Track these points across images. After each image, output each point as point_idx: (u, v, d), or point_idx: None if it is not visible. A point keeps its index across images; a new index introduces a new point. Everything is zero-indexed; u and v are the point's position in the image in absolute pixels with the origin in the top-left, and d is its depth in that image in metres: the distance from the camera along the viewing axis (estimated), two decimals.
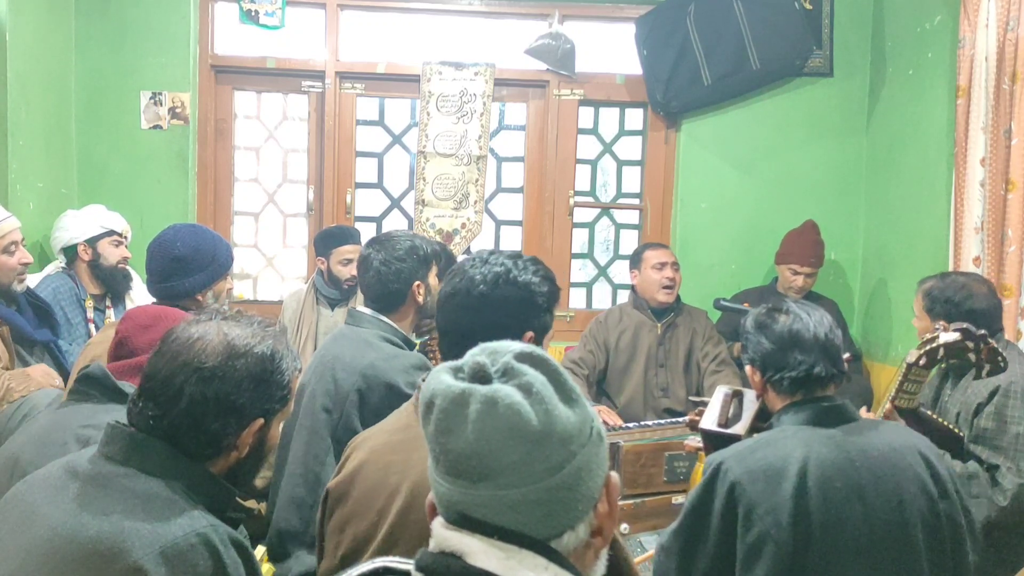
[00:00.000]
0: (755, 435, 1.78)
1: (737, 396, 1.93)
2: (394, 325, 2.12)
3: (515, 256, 1.55)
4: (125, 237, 3.13)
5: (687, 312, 3.47)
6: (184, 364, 1.23)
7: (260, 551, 1.93)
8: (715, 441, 1.84)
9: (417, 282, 2.13)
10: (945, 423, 2.27)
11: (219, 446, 1.25)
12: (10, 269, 2.44)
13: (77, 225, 3.05)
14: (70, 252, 3.06)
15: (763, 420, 1.83)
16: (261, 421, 1.28)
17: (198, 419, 1.22)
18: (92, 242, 3.03)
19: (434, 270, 2.19)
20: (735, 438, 1.81)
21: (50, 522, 1.16)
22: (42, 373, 2.49)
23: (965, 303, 2.32)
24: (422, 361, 2.02)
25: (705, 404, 1.96)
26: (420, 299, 2.14)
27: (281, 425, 1.36)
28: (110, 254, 3.04)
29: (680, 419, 2.84)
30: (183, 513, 1.17)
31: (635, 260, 3.50)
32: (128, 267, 3.11)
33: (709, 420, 1.89)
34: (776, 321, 1.73)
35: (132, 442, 1.23)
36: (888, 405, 2.10)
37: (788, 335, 1.70)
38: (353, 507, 1.46)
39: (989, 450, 2.21)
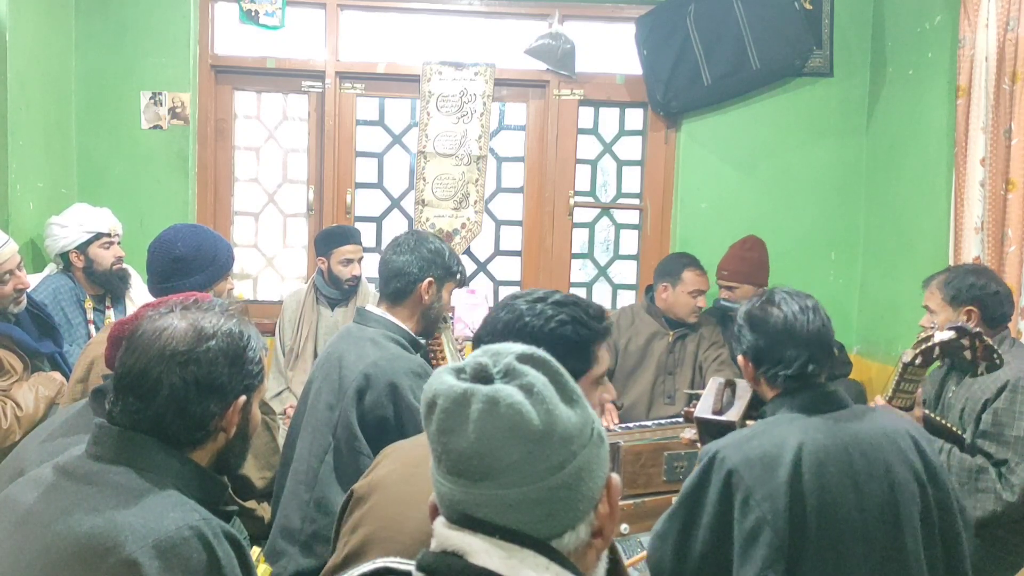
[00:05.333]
0: (749, 423, 1.80)
1: (730, 385, 1.95)
2: (401, 325, 2.09)
3: (536, 300, 1.40)
4: (115, 235, 3.05)
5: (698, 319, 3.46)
6: (158, 354, 1.23)
7: (255, 552, 1.94)
8: (709, 429, 1.87)
9: (429, 279, 2.09)
10: (945, 422, 2.27)
11: (207, 429, 1.26)
12: (3, 297, 2.40)
13: (63, 235, 2.99)
14: (64, 258, 3.02)
15: (756, 407, 1.84)
16: (244, 398, 1.29)
17: (181, 405, 1.23)
18: (82, 248, 2.97)
19: (450, 287, 2.17)
20: (729, 425, 1.83)
21: (43, 520, 1.17)
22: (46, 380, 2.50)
23: (990, 284, 2.33)
24: (423, 368, 2.01)
25: (700, 396, 1.98)
26: (427, 298, 2.10)
27: (259, 404, 1.37)
28: (103, 258, 2.98)
29: (679, 419, 2.85)
30: (176, 507, 1.18)
31: (671, 275, 3.36)
32: (125, 266, 3.06)
33: (703, 409, 1.92)
34: (769, 316, 1.73)
35: (121, 439, 1.23)
36: (881, 401, 2.10)
37: (783, 331, 1.70)
38: (369, 510, 1.47)
39: (997, 445, 2.21)
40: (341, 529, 1.52)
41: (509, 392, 0.85)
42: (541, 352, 0.91)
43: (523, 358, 0.89)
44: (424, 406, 0.89)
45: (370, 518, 1.45)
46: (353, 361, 1.98)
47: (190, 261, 2.24)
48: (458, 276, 2.17)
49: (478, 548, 0.85)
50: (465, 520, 0.86)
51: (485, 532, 0.85)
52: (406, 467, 1.48)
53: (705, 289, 3.36)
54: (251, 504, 2.10)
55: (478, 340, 1.46)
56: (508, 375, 0.87)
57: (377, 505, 1.45)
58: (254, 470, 2.10)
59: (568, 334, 1.36)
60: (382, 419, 1.91)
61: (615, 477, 0.92)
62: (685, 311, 3.34)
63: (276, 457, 2.17)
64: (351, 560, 1.44)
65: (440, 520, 0.90)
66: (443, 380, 0.88)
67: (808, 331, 1.69)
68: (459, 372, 0.89)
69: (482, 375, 0.88)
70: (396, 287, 2.10)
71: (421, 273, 2.09)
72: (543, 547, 0.85)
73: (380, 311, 2.11)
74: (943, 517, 1.65)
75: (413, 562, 0.92)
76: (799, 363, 1.69)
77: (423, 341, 2.17)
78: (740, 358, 1.80)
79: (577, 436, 0.87)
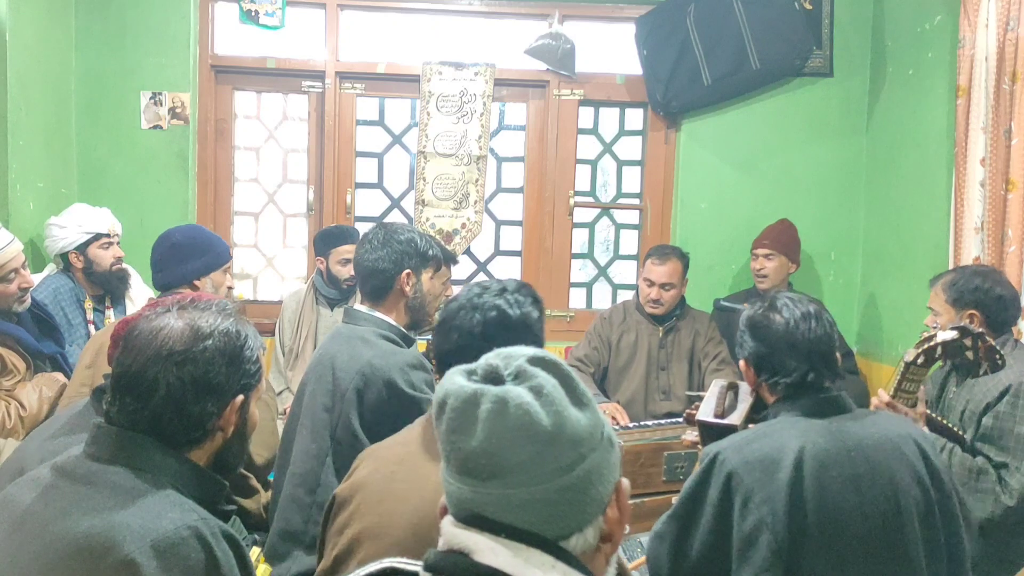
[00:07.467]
0: (751, 426, 1.79)
1: (732, 388, 1.95)
2: (390, 321, 2.09)
3: (502, 290, 1.53)
4: (114, 235, 3.05)
5: (690, 315, 3.46)
6: (155, 354, 1.23)
7: (255, 552, 1.94)
8: (712, 432, 1.86)
9: (406, 271, 2.09)
10: (946, 423, 2.27)
11: (204, 429, 1.26)
12: (8, 295, 2.43)
13: (62, 235, 2.99)
14: (64, 258, 3.03)
15: (758, 411, 1.83)
16: (241, 398, 1.29)
17: (179, 405, 1.23)
18: (81, 249, 2.98)
19: (429, 272, 2.16)
20: (731, 428, 1.82)
21: (41, 520, 1.16)
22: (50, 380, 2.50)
23: (994, 289, 2.31)
24: (419, 359, 2.01)
25: (701, 398, 1.97)
26: (407, 290, 2.10)
27: (256, 403, 1.37)
28: (102, 258, 2.99)
29: (679, 419, 2.85)
30: (174, 507, 1.18)
31: (642, 263, 3.51)
32: (125, 266, 3.06)
33: (705, 412, 1.91)
34: (772, 323, 1.72)
35: (119, 439, 1.23)
36: (886, 397, 2.10)
37: (784, 340, 1.70)
38: (354, 510, 1.48)
39: (997, 448, 2.21)
40: (327, 534, 1.53)
41: (518, 393, 0.86)
42: (552, 356, 0.92)
43: (534, 361, 0.90)
44: (435, 406, 0.90)
45: (357, 518, 1.46)
46: (346, 362, 1.97)
47: (185, 246, 2.36)
48: (436, 258, 2.16)
49: (484, 546, 0.85)
50: (473, 519, 0.87)
51: (492, 531, 0.85)
52: (386, 466, 1.50)
53: (656, 281, 3.33)
54: (253, 482, 2.09)
55: (459, 349, 1.47)
56: (519, 377, 0.88)
57: (362, 504, 1.47)
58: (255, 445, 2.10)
59: (536, 316, 1.54)
60: (383, 417, 1.91)
61: (625, 482, 0.92)
62: (644, 299, 3.39)
63: (274, 438, 2.18)
64: (341, 561, 1.45)
65: (448, 519, 0.90)
66: (454, 381, 0.89)
67: (809, 340, 1.69)
68: (470, 373, 0.90)
69: (493, 376, 0.88)
70: (374, 285, 2.11)
71: (396, 268, 2.09)
72: (550, 546, 0.86)
73: (367, 309, 2.11)
74: (947, 522, 1.64)
75: (418, 562, 0.92)
76: (799, 373, 1.68)
77: (414, 334, 2.17)
78: (742, 363, 1.80)
79: (587, 439, 0.87)
